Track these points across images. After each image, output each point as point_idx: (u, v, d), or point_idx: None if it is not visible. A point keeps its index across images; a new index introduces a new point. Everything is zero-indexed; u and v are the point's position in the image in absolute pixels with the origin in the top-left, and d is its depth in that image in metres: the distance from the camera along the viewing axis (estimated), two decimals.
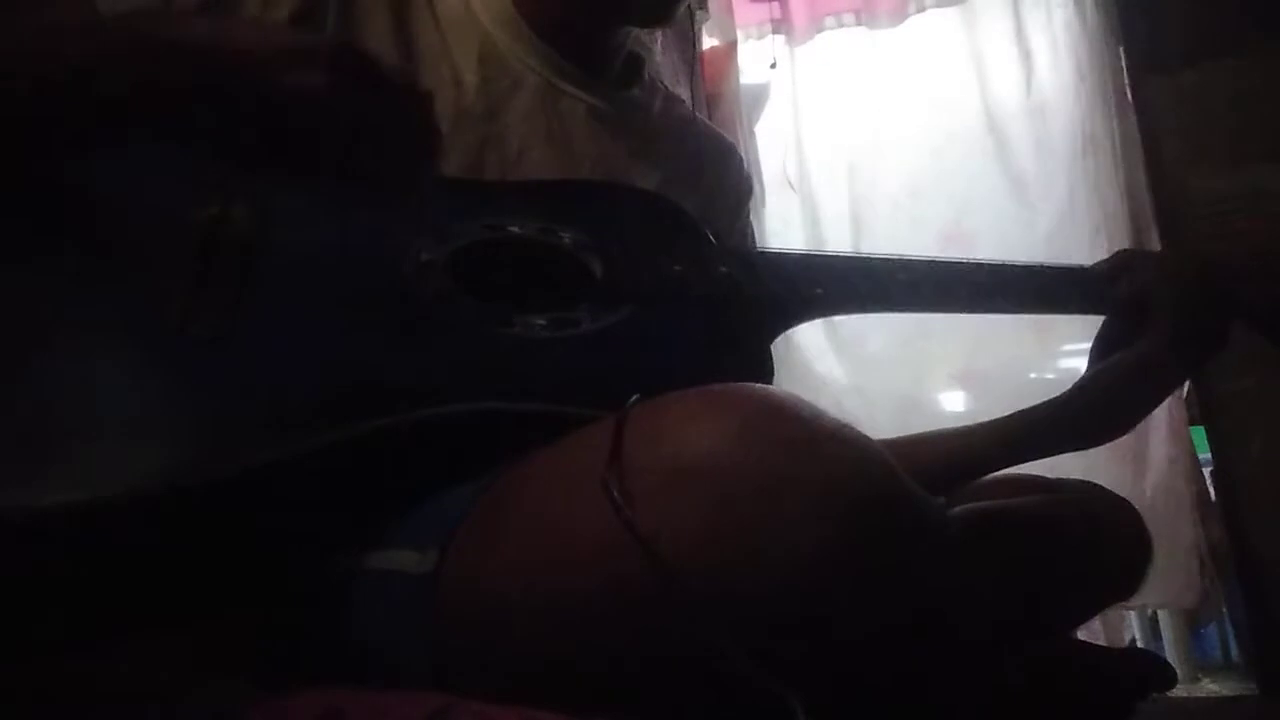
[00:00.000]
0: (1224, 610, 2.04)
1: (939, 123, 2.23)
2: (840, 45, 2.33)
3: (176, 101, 0.59)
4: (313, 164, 0.61)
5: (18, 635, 0.50)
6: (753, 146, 2.31)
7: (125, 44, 0.58)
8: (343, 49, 0.60)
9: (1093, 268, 0.84)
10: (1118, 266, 0.83)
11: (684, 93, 2.17)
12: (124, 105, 0.58)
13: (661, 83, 0.98)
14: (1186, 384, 1.89)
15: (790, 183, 2.30)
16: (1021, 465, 0.82)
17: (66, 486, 0.49)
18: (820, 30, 2.33)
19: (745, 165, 1.01)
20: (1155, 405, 0.79)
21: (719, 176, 0.95)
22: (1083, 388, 0.78)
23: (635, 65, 0.91)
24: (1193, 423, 1.90)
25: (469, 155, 0.74)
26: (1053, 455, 0.80)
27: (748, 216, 1.01)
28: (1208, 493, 1.87)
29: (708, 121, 1.14)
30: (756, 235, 2.18)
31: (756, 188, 2.23)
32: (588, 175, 0.80)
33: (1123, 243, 1.96)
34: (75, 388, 0.53)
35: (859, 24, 2.29)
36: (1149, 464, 1.87)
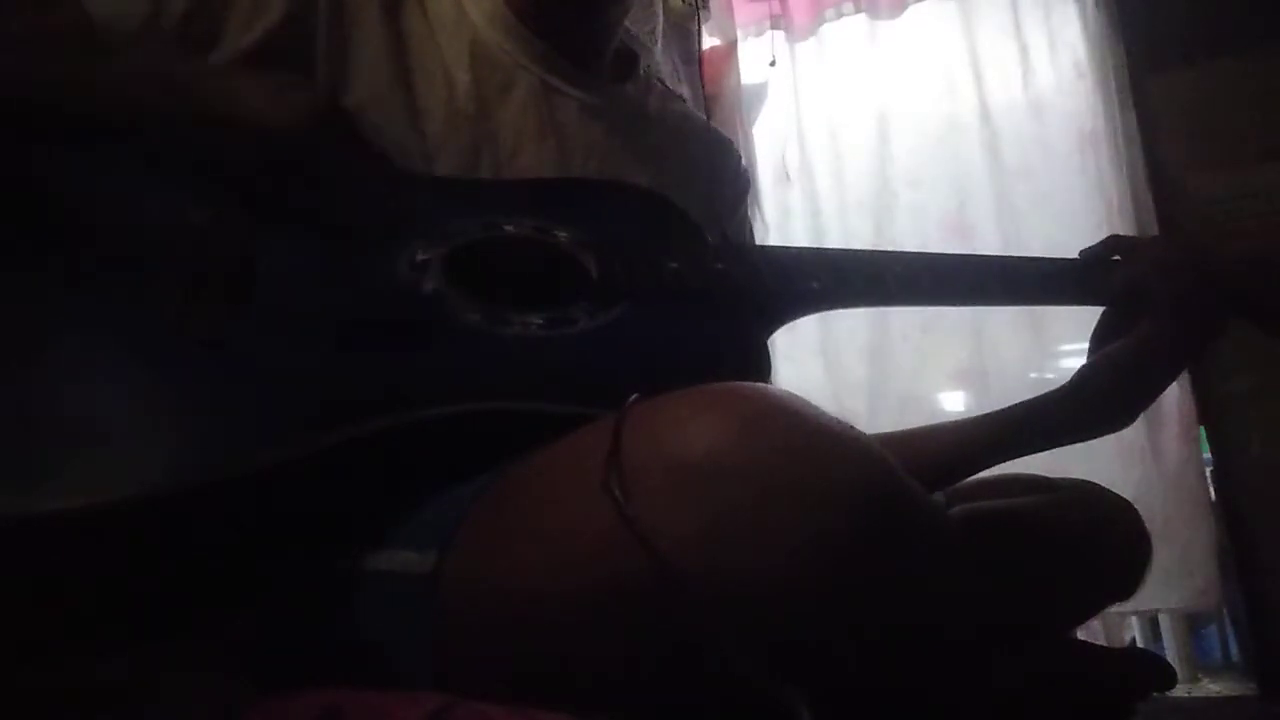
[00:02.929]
0: (1224, 610, 2.04)
1: (940, 112, 2.23)
2: (840, 36, 2.33)
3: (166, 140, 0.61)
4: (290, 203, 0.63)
5: (18, 635, 0.50)
6: (750, 148, 2.31)
7: (126, 85, 0.61)
8: (326, 106, 0.63)
9: (1086, 256, 0.83)
10: (1110, 252, 0.82)
11: (685, 92, 2.18)
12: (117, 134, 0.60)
13: (658, 79, 0.98)
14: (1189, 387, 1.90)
15: (787, 174, 2.30)
16: (1022, 465, 0.82)
17: (66, 491, 0.49)
18: (821, 23, 2.33)
19: (742, 161, 1.01)
20: (1154, 397, 0.79)
21: (715, 172, 0.95)
22: (1080, 380, 0.78)
23: (630, 61, 0.91)
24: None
25: (463, 155, 0.74)
26: (1051, 448, 0.79)
27: (745, 212, 1.01)
28: (1208, 493, 1.87)
29: (703, 117, 1.14)
30: (757, 227, 2.20)
31: (757, 179, 2.25)
32: (581, 172, 0.80)
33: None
34: (74, 393, 0.53)
35: (859, 11, 2.29)
36: (1162, 465, 1.86)
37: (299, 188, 0.63)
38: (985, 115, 2.18)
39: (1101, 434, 0.78)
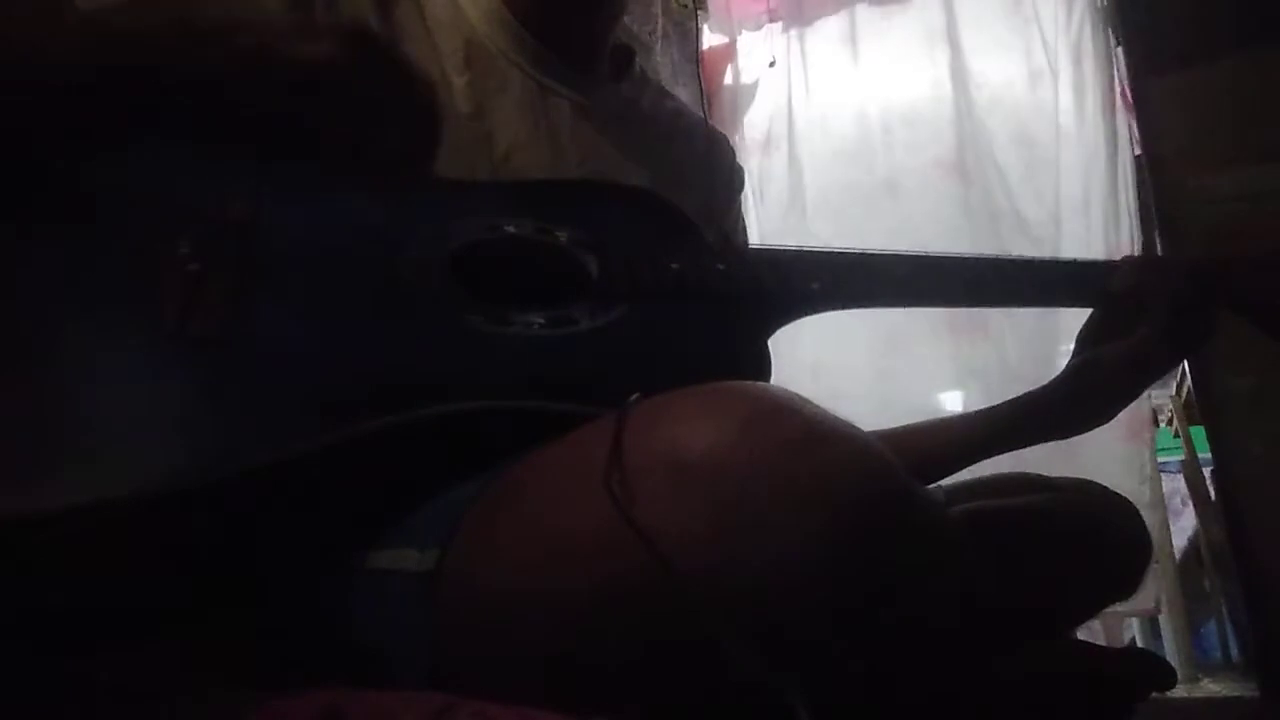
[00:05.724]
0: (1224, 610, 2.04)
1: (929, 88, 2.25)
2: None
3: (181, 84, 0.59)
4: (317, 146, 0.61)
5: (18, 635, 0.50)
6: (744, 145, 2.33)
7: (129, 25, 0.59)
8: (357, 30, 0.61)
9: (1089, 261, 0.84)
10: (1115, 262, 0.84)
11: (684, 91, 2.18)
12: (125, 91, 0.58)
13: (653, 75, 0.98)
14: (1188, 387, 1.90)
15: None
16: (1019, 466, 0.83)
17: (69, 489, 0.49)
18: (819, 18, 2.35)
19: (736, 158, 1.01)
20: (1139, 395, 0.81)
21: (710, 170, 0.95)
22: (1071, 378, 0.80)
23: (625, 58, 0.91)
24: (1193, 422, 1.90)
25: (458, 156, 0.74)
26: (1037, 443, 0.81)
27: (739, 209, 1.01)
28: (1208, 493, 1.87)
29: (699, 115, 1.14)
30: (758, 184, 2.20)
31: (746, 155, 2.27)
32: (575, 174, 0.80)
33: (1122, 235, 1.98)
34: (76, 390, 0.53)
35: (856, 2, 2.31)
36: (1099, 464, 1.85)
37: (329, 125, 0.61)
38: (980, 88, 2.19)
39: (1084, 431, 0.81)
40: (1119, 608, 1.80)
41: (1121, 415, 1.81)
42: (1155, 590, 1.91)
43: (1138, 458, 1.91)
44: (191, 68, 0.59)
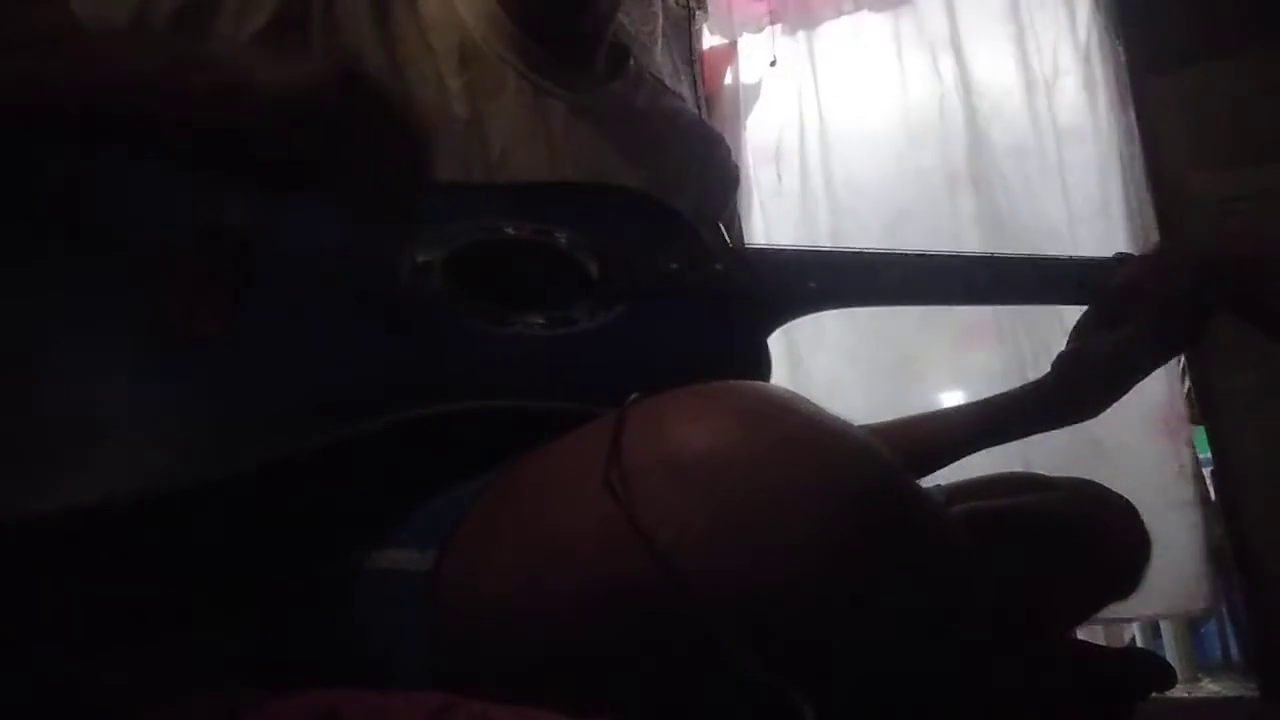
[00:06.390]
0: (1224, 610, 2.04)
1: (933, 93, 2.25)
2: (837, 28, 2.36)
3: (176, 130, 0.60)
4: (307, 182, 0.62)
5: (18, 636, 0.50)
6: (744, 146, 2.32)
7: (127, 74, 0.59)
8: (347, 68, 0.61)
9: (1086, 259, 0.84)
10: (1111, 259, 0.84)
11: (684, 92, 2.18)
12: (122, 129, 0.59)
13: (650, 73, 0.98)
14: (1187, 384, 1.90)
15: (779, 176, 2.31)
16: (1002, 463, 0.84)
17: (70, 490, 0.49)
18: (821, 22, 2.35)
19: (731, 155, 1.01)
20: (1129, 389, 0.82)
21: (705, 167, 0.95)
22: (1062, 370, 0.80)
23: (620, 57, 0.91)
24: (1193, 422, 1.90)
25: (454, 158, 0.74)
26: (1031, 435, 0.83)
27: (735, 206, 1.01)
28: (1208, 492, 1.87)
29: (694, 112, 1.14)
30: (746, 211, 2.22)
31: (749, 168, 2.27)
32: (571, 175, 0.80)
33: (1135, 233, 1.98)
34: (78, 392, 0.53)
35: (858, 9, 2.31)
36: (1145, 465, 1.85)
37: (316, 159, 0.61)
38: (983, 95, 2.19)
39: (1075, 423, 0.81)
40: (1177, 608, 1.80)
41: (1156, 411, 1.80)
42: (1203, 591, 1.86)
43: (1175, 455, 1.88)
44: (182, 103, 0.59)
